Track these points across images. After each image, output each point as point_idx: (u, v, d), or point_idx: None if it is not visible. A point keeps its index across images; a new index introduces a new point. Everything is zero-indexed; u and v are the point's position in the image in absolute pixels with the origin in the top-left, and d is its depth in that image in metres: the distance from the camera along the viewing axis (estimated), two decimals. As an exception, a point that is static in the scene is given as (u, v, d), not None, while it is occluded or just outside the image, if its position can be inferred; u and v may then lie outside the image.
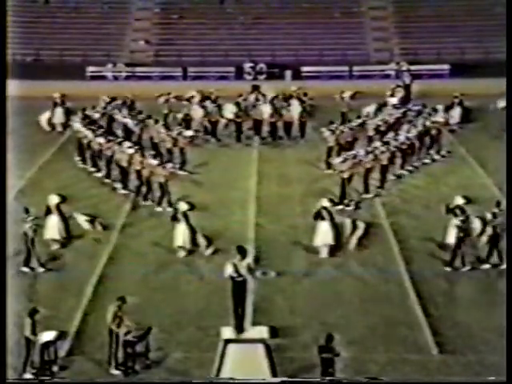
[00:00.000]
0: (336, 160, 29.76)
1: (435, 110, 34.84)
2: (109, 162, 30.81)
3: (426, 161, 32.73)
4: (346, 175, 28.08)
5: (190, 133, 33.39)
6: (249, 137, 35.75)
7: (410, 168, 31.61)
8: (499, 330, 19.92)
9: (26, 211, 23.61)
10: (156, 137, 32.75)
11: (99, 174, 31.30)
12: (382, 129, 33.45)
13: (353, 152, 29.69)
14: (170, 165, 29.31)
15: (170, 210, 26.76)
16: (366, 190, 28.80)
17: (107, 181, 30.59)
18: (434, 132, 33.44)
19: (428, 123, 33.27)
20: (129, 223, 26.72)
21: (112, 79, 43.06)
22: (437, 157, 33.21)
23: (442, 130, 34.01)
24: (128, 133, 33.89)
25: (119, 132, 34.59)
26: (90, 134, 32.33)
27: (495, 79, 39.58)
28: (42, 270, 23.11)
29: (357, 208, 27.63)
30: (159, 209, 27.52)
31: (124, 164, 29.49)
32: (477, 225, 23.34)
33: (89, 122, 33.56)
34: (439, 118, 34.26)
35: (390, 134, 31.94)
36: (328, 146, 31.86)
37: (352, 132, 32.62)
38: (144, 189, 28.53)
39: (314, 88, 38.46)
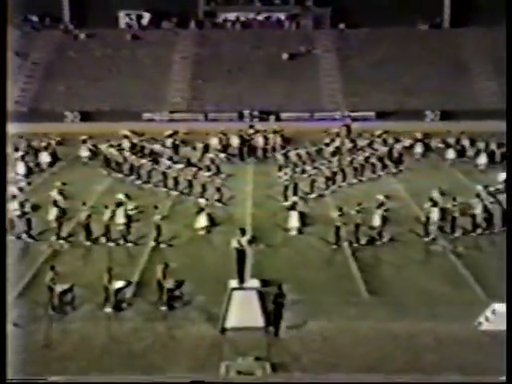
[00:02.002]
0: (280, 173, 29.79)
1: (398, 141, 34.19)
2: (149, 173, 30.19)
3: (381, 173, 31.68)
4: (293, 183, 27.81)
5: (223, 155, 33.00)
6: (248, 157, 35.30)
7: (363, 178, 30.71)
8: (406, 279, 20.13)
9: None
10: (193, 157, 32.08)
11: (139, 182, 30.39)
12: (344, 151, 32.84)
13: (302, 167, 29.56)
14: (222, 175, 29.44)
15: (219, 205, 26.77)
16: (311, 191, 28.29)
17: (147, 186, 29.80)
18: (396, 155, 32.99)
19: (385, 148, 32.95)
20: (170, 213, 26.22)
21: (159, 122, 42.95)
22: (395, 171, 32.10)
23: (403, 154, 33.25)
24: (153, 155, 32.83)
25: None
26: (129, 155, 31.77)
27: (407, 122, 39.36)
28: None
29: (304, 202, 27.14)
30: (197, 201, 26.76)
31: (174, 175, 29.04)
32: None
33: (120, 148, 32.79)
34: (401, 146, 33.69)
35: (346, 156, 31.50)
36: (278, 164, 31.62)
37: (308, 155, 32.11)
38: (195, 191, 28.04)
39: (289, 126, 38.40)
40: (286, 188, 27.78)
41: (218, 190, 27.67)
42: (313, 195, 28.33)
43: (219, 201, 27.25)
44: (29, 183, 30.39)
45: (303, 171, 28.91)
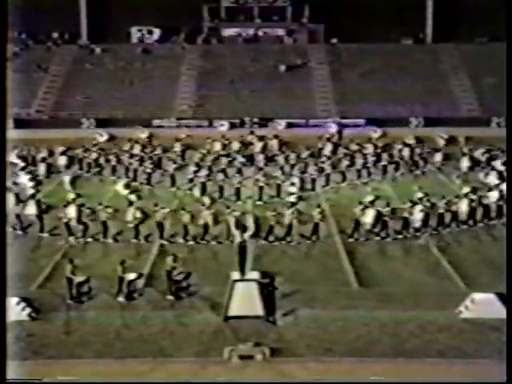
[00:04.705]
0: (258, 175, 29.27)
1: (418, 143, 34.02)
2: (149, 175, 29.81)
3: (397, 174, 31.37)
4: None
5: (242, 159, 32.69)
6: (248, 162, 34.57)
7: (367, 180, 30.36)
8: (392, 271, 19.96)
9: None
10: (202, 160, 31.68)
11: (136, 183, 29.85)
12: (340, 156, 32.23)
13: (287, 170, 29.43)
14: (239, 178, 29.00)
15: (239, 202, 26.57)
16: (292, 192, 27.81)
17: (148, 186, 29.43)
18: (418, 159, 32.53)
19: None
20: (175, 209, 25.06)
21: (168, 128, 42.48)
22: (418, 173, 31.71)
23: (427, 159, 32.51)
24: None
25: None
26: (126, 158, 31.41)
27: (393, 128, 39.14)
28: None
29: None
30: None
31: (190, 176, 28.75)
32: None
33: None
34: (419, 150, 33.40)
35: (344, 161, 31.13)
36: (259, 167, 31.29)
37: (302, 159, 31.65)
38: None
39: (286, 132, 38.01)
40: (261, 188, 27.51)
41: (237, 189, 27.44)
42: (294, 195, 27.41)
43: (238, 199, 27.04)
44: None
45: (284, 174, 28.51)
